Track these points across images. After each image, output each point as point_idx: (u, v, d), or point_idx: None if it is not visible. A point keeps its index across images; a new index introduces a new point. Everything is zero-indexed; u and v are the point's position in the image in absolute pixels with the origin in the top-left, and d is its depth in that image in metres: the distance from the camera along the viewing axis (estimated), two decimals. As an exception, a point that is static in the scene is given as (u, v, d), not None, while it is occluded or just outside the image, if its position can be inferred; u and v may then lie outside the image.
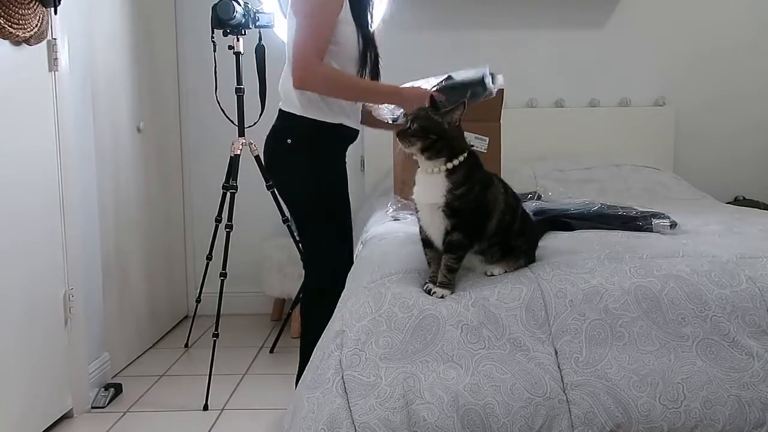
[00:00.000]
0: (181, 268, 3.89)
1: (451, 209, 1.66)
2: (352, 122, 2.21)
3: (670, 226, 2.14)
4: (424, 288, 1.69)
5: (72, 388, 2.58)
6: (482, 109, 2.33)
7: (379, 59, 2.23)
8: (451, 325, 1.60)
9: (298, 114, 2.12)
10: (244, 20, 2.91)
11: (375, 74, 2.23)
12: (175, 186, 3.82)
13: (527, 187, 2.99)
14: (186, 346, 3.42)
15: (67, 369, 2.56)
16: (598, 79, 3.85)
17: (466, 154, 1.69)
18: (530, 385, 1.53)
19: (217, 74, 3.03)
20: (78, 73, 2.67)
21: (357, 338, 1.59)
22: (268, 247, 3.67)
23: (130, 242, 3.19)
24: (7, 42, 2.22)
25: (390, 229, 2.27)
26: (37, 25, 2.31)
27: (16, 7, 2.20)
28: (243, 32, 2.96)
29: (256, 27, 2.99)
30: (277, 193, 2.27)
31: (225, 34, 2.94)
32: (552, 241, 1.96)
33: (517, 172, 3.19)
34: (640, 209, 2.21)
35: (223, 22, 2.86)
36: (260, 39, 3.03)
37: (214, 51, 2.92)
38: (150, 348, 3.40)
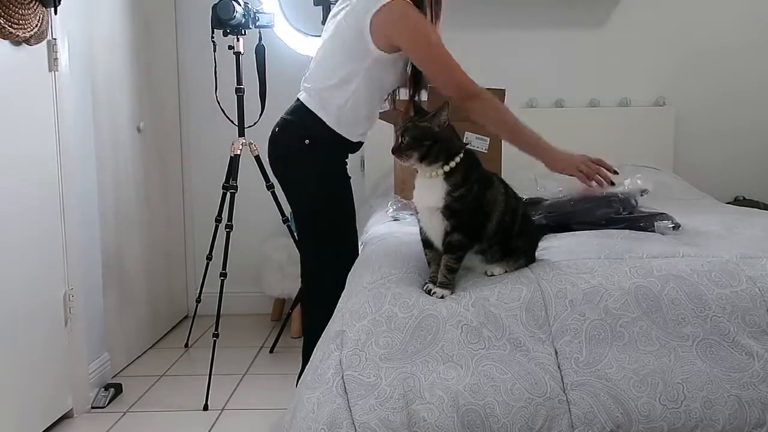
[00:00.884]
0: (181, 268, 3.89)
1: (450, 211, 1.66)
2: (365, 138, 2.27)
3: (673, 227, 2.14)
4: (424, 288, 1.69)
5: (72, 388, 2.58)
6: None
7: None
8: (451, 325, 1.60)
9: (327, 123, 2.12)
10: (244, 20, 2.91)
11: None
12: (175, 186, 3.82)
13: (527, 188, 2.99)
14: (186, 346, 3.42)
15: (67, 369, 2.56)
16: (598, 79, 3.85)
17: (462, 154, 1.69)
18: (530, 385, 1.53)
19: (217, 74, 3.03)
20: (78, 73, 2.67)
21: (357, 338, 1.59)
22: (268, 247, 3.67)
23: (130, 242, 3.19)
24: (7, 42, 2.22)
25: (390, 229, 2.27)
26: (37, 25, 2.31)
27: (16, 7, 2.20)
28: (243, 32, 2.96)
29: (256, 27, 3.00)
30: (282, 188, 2.25)
31: (225, 34, 2.94)
32: (552, 241, 1.96)
33: (517, 172, 3.18)
34: (645, 210, 2.21)
35: (223, 22, 2.86)
36: (260, 39, 3.04)
37: (214, 51, 2.92)
38: (150, 348, 3.39)
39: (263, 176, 3.03)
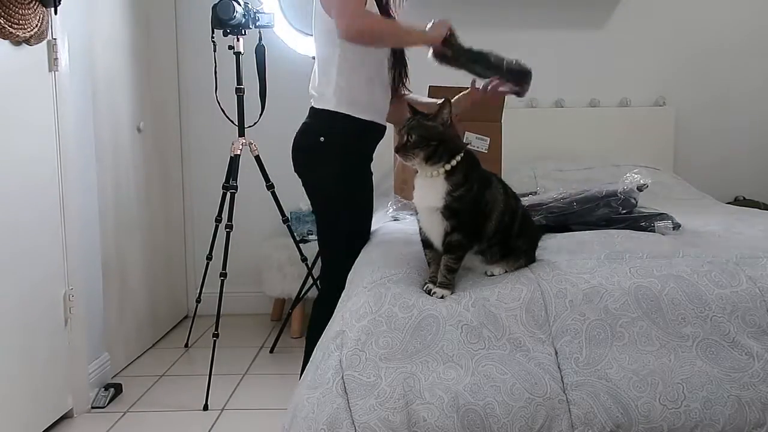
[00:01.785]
0: (181, 268, 3.89)
1: (450, 211, 1.66)
2: (382, 119, 2.20)
3: (674, 227, 2.14)
4: (424, 288, 1.69)
5: (72, 388, 2.58)
6: (483, 109, 2.34)
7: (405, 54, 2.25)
8: (451, 326, 1.60)
9: (332, 110, 2.09)
10: (244, 20, 2.91)
11: (402, 65, 2.25)
12: (175, 186, 3.82)
13: (527, 187, 2.99)
14: (186, 346, 3.43)
15: (67, 369, 2.56)
16: (598, 79, 3.85)
17: (462, 154, 1.69)
18: (530, 386, 1.53)
19: (217, 74, 3.03)
20: (78, 73, 2.67)
21: (357, 338, 1.59)
22: (268, 247, 3.67)
23: (130, 242, 3.19)
24: (7, 42, 2.22)
25: (390, 229, 2.27)
26: (37, 25, 2.31)
27: (16, 7, 2.20)
28: (243, 32, 2.96)
29: (256, 27, 3.00)
30: (304, 189, 2.22)
31: (225, 34, 2.94)
32: (552, 242, 1.96)
33: (517, 172, 3.19)
34: (645, 210, 2.21)
35: (223, 22, 2.86)
36: (260, 39, 3.04)
37: (214, 51, 2.92)
38: (150, 348, 3.40)
39: (263, 176, 3.03)
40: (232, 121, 3.05)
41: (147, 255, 3.38)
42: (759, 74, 3.89)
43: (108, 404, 2.69)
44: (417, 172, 1.73)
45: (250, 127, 3.03)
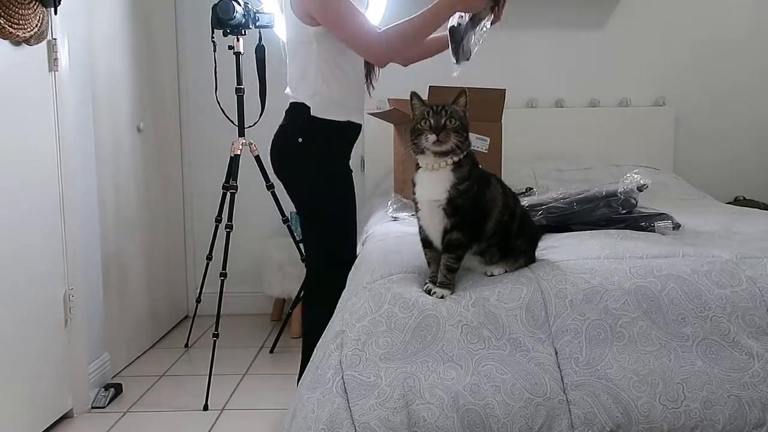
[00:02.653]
0: (181, 268, 3.89)
1: (452, 207, 1.65)
2: (359, 117, 2.21)
3: (673, 227, 2.14)
4: (424, 288, 1.69)
5: (72, 388, 2.58)
6: (483, 109, 2.34)
7: None
8: (451, 326, 1.60)
9: (310, 112, 2.11)
10: (244, 20, 2.91)
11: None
12: (175, 186, 3.82)
13: (528, 184, 2.99)
14: (186, 346, 3.43)
15: (67, 369, 2.56)
16: (598, 79, 3.85)
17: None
18: (530, 386, 1.53)
19: (217, 74, 3.03)
20: (78, 73, 2.67)
21: (357, 338, 1.59)
22: (268, 247, 3.67)
23: (130, 242, 3.19)
24: (7, 42, 2.22)
25: (390, 229, 2.27)
26: (37, 25, 2.31)
27: (16, 7, 2.20)
28: (243, 32, 2.96)
29: (256, 27, 2.99)
30: (286, 191, 2.25)
31: (225, 34, 2.94)
32: (552, 242, 1.96)
33: (517, 172, 3.19)
34: (645, 210, 2.21)
35: (223, 22, 2.86)
36: (260, 39, 3.04)
37: (214, 51, 2.92)
38: (150, 348, 3.40)
39: (263, 176, 3.03)
40: (232, 121, 3.05)
41: (147, 255, 3.38)
42: (759, 74, 3.89)
43: (108, 404, 2.69)
44: (417, 167, 1.72)
45: (250, 127, 3.03)
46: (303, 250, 3.15)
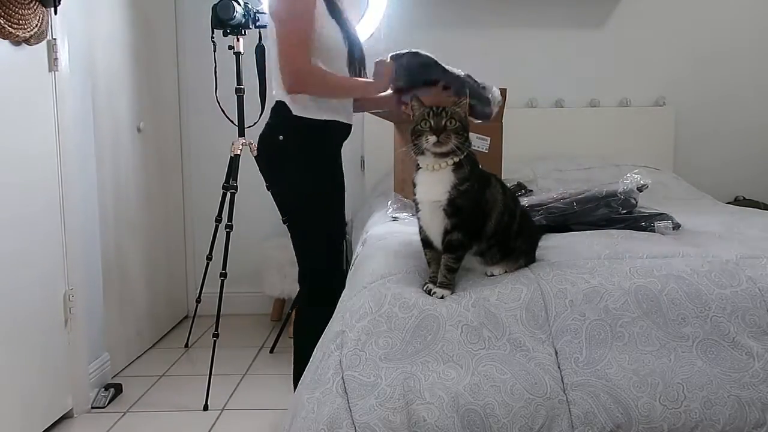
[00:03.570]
0: (181, 268, 3.89)
1: (453, 207, 1.65)
2: (344, 117, 2.19)
3: (673, 227, 2.14)
4: (424, 288, 1.69)
5: (72, 388, 2.58)
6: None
7: (365, 60, 2.23)
8: (451, 326, 1.60)
9: (290, 110, 2.10)
10: (244, 20, 2.91)
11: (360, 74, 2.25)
12: (175, 186, 3.82)
13: (527, 184, 2.99)
14: (186, 346, 3.43)
15: (67, 369, 2.56)
16: (598, 79, 3.85)
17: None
18: (530, 386, 1.53)
19: (217, 74, 3.03)
20: (78, 73, 2.67)
21: (357, 338, 1.59)
22: (268, 247, 3.67)
23: (130, 242, 3.19)
24: (7, 42, 2.22)
25: (390, 229, 2.27)
26: (37, 25, 2.31)
27: (16, 7, 2.20)
28: (243, 32, 2.96)
29: (256, 27, 2.99)
30: (270, 193, 2.25)
31: (225, 34, 2.94)
32: (552, 242, 1.96)
33: (517, 172, 3.19)
34: (645, 210, 2.21)
35: (223, 22, 2.86)
36: (260, 39, 3.03)
37: (214, 51, 2.92)
38: (150, 348, 3.40)
39: (263, 176, 3.03)
40: (232, 121, 3.04)
41: (147, 255, 3.38)
42: (759, 74, 3.89)
43: (108, 404, 2.69)
44: (417, 167, 1.72)
45: (250, 127, 3.02)
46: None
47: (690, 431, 1.51)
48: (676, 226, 2.15)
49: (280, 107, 2.13)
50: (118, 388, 2.79)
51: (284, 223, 3.12)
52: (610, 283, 1.66)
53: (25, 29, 2.25)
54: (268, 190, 3.03)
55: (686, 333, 1.60)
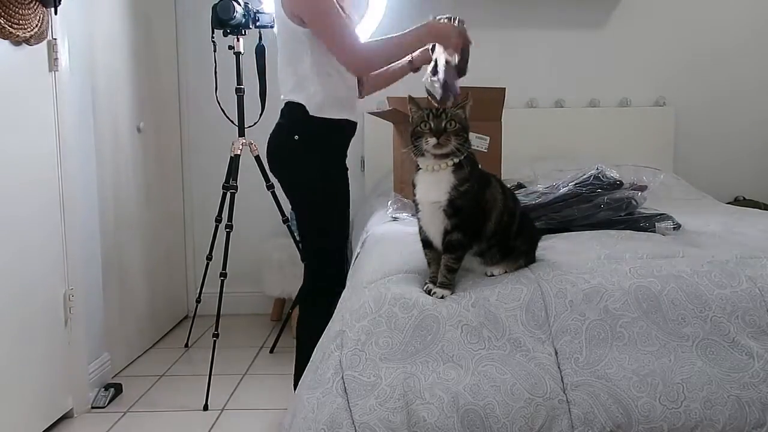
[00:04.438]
0: (181, 268, 3.89)
1: (453, 208, 1.65)
2: (355, 115, 2.24)
3: (674, 228, 2.14)
4: (425, 288, 1.69)
5: (72, 388, 2.58)
6: (483, 108, 2.33)
7: None
8: (451, 326, 1.60)
9: (306, 110, 2.14)
10: (244, 20, 2.91)
11: None
12: (175, 186, 3.82)
13: (528, 184, 2.99)
14: (186, 346, 3.43)
15: (67, 369, 2.56)
16: (598, 79, 3.85)
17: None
18: (530, 386, 1.53)
19: (217, 74, 3.03)
20: (78, 73, 2.67)
21: (357, 338, 1.59)
22: (268, 247, 3.67)
23: (130, 242, 3.19)
24: (7, 42, 2.22)
25: (390, 229, 2.27)
26: (37, 25, 2.31)
27: (16, 7, 2.20)
28: (243, 32, 2.96)
29: (256, 27, 2.99)
30: (282, 189, 2.28)
31: (225, 34, 2.94)
32: (552, 242, 1.96)
33: (517, 172, 3.19)
34: (645, 211, 2.21)
35: (223, 22, 2.86)
36: (260, 39, 3.03)
37: (214, 51, 2.92)
38: (150, 348, 3.39)
39: (263, 176, 3.03)
40: (232, 121, 3.04)
41: (147, 255, 3.38)
42: (759, 74, 3.89)
43: (108, 404, 2.69)
44: (417, 168, 1.72)
45: (250, 127, 3.03)
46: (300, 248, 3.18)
47: (690, 431, 1.51)
48: (677, 227, 2.15)
49: (293, 108, 2.16)
50: (118, 388, 2.79)
51: (284, 222, 3.14)
52: (610, 283, 1.66)
53: (25, 29, 2.25)
54: (269, 189, 3.05)
55: (686, 333, 1.60)
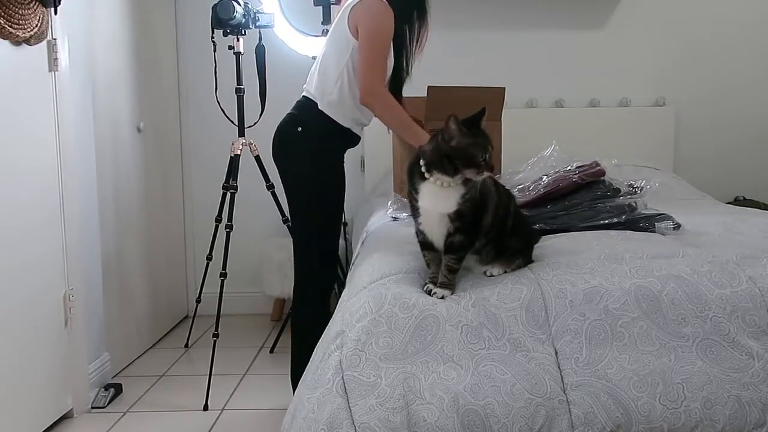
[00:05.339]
0: (181, 268, 3.89)
1: (458, 214, 1.65)
2: (358, 130, 2.34)
3: (674, 227, 2.14)
4: (425, 288, 1.69)
5: (72, 388, 2.58)
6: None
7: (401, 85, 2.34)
8: (451, 326, 1.60)
9: (318, 108, 2.24)
10: (244, 20, 2.91)
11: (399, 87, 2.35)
12: (175, 186, 3.82)
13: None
14: (186, 346, 3.42)
15: (67, 369, 2.56)
16: (598, 79, 3.85)
17: None
18: (530, 386, 1.53)
19: (217, 74, 3.03)
20: (78, 73, 2.67)
21: (357, 338, 1.59)
22: (268, 247, 3.67)
23: (130, 242, 3.19)
24: (7, 42, 2.22)
25: (390, 230, 2.27)
26: (37, 25, 2.31)
27: (16, 7, 2.20)
28: (243, 32, 2.96)
29: (256, 27, 3.00)
30: (280, 179, 2.35)
31: (225, 34, 2.94)
32: (552, 241, 1.96)
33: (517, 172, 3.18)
34: (645, 211, 2.21)
35: (223, 22, 2.86)
36: (260, 39, 3.04)
37: (214, 51, 2.92)
38: (150, 348, 3.39)
39: (263, 176, 3.03)
40: (232, 121, 3.04)
41: (147, 255, 3.38)
42: (759, 74, 3.89)
43: (108, 404, 2.69)
44: (422, 176, 1.68)
45: (250, 127, 3.03)
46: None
47: (690, 431, 1.51)
48: (677, 227, 2.15)
49: (308, 101, 2.27)
50: (118, 388, 2.78)
51: (284, 222, 3.14)
52: (610, 283, 1.66)
53: (25, 29, 2.25)
54: (269, 189, 3.05)
55: (686, 333, 1.60)
